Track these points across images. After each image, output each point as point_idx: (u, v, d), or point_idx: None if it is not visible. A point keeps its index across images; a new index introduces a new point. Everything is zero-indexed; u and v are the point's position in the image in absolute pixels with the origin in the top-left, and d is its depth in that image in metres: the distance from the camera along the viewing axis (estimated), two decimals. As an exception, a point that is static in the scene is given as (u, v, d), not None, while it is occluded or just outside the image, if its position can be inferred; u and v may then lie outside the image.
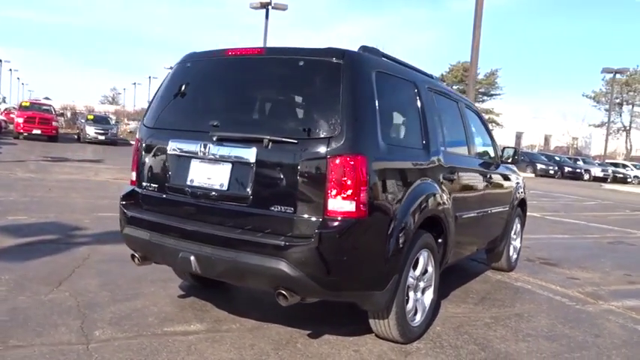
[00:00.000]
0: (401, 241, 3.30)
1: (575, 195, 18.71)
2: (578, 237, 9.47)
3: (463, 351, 3.61)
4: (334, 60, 3.18)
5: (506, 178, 5.63)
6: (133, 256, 3.71)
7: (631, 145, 58.93)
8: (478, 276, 5.80)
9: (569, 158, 41.48)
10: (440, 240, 3.97)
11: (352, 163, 2.99)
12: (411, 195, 3.45)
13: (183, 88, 3.73)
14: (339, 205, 2.99)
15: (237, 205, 3.24)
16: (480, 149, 5.14)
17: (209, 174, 3.34)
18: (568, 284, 5.73)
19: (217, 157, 3.30)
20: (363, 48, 3.47)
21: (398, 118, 3.62)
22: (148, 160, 3.73)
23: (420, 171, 3.67)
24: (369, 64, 3.35)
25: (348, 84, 3.11)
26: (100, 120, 31.86)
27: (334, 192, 2.99)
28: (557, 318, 4.52)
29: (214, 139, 3.29)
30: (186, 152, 3.46)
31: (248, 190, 3.20)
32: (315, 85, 3.24)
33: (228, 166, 3.28)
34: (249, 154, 3.18)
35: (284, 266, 2.98)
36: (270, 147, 3.11)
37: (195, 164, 3.42)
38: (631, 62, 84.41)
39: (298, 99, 3.32)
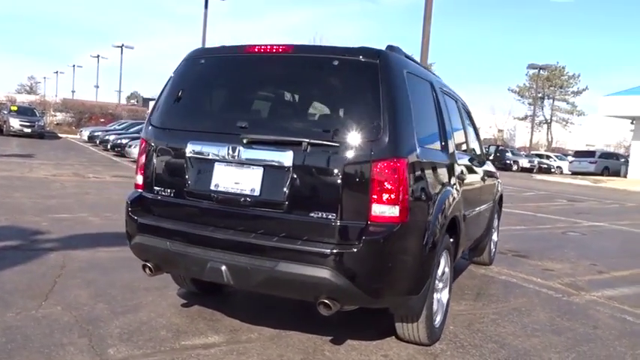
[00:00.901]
0: (434, 244, 3.28)
1: (512, 186, 19.55)
2: (533, 228, 9.91)
3: (484, 350, 3.66)
4: (370, 60, 3.10)
5: (491, 174, 5.77)
6: (145, 267, 3.46)
7: (552, 137, 62.63)
8: (463, 271, 5.91)
9: (498, 150, 43.31)
10: (452, 240, 3.99)
11: (396, 167, 2.92)
12: (440, 197, 3.44)
13: (199, 86, 3.51)
14: (383, 209, 2.92)
15: (272, 212, 3.09)
16: (472, 146, 5.23)
17: (237, 178, 3.17)
18: (546, 276, 5.96)
19: (248, 160, 3.13)
20: (390, 47, 3.40)
21: (425, 120, 3.58)
22: (159, 162, 3.48)
23: (444, 173, 3.66)
24: (400, 64, 3.29)
25: (387, 85, 3.04)
26: (25, 111, 29.99)
27: (378, 196, 2.92)
28: (553, 311, 4.68)
29: (245, 141, 3.11)
30: (209, 155, 3.25)
31: (283, 195, 3.05)
32: (352, 86, 3.14)
33: (259, 171, 3.12)
34: (285, 157, 3.03)
35: (330, 275, 2.87)
36: (309, 150, 2.99)
37: (219, 168, 3.22)
38: (552, 58, 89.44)
39: (334, 100, 3.21)
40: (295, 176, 3.03)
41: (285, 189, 3.05)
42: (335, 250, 2.88)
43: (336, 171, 2.97)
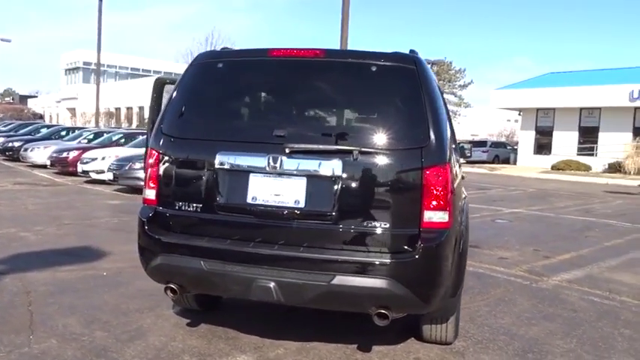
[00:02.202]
0: (465, 246, 3.36)
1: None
2: (465, 217, 10.45)
3: (500, 343, 3.82)
4: (408, 66, 3.10)
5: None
6: (168, 289, 3.19)
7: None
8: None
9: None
10: None
11: (444, 172, 2.95)
12: (463, 199, 3.53)
13: (222, 92, 3.29)
14: (435, 215, 2.94)
15: (319, 223, 2.99)
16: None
17: (277, 190, 3.02)
18: (506, 265, 6.33)
19: (290, 171, 3.00)
20: (412, 52, 3.41)
21: (447, 122, 3.64)
22: (179, 175, 3.23)
23: (460, 174, 3.75)
24: (429, 69, 3.31)
25: (426, 91, 3.06)
26: None
27: (430, 203, 2.93)
28: (532, 299, 4.99)
29: (287, 151, 2.97)
30: (244, 167, 3.07)
31: (331, 205, 2.97)
32: (394, 92, 3.12)
33: (301, 181, 3.00)
34: (334, 166, 2.94)
35: (390, 284, 2.85)
36: (358, 159, 2.92)
37: (256, 180, 3.05)
38: (439, 54, 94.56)
39: (376, 107, 3.15)
40: (344, 185, 2.96)
41: (332, 199, 2.97)
42: (394, 260, 2.86)
43: (387, 179, 2.95)
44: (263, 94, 3.37)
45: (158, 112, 5.33)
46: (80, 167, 14.73)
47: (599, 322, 4.41)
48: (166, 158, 3.26)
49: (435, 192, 2.93)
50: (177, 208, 3.21)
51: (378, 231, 2.93)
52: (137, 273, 5.17)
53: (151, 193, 3.31)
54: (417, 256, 2.87)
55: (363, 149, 2.93)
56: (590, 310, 4.73)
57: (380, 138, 3.00)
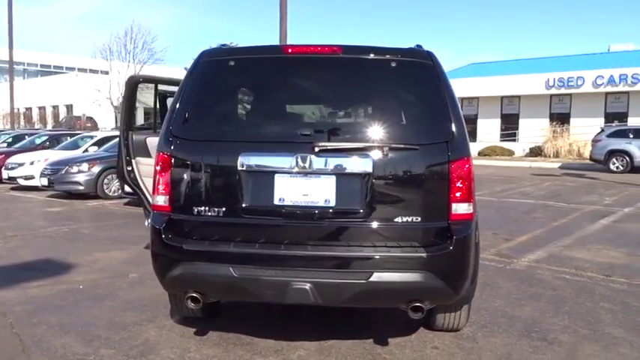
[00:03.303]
0: (479, 234, 3.46)
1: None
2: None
3: (503, 325, 3.98)
4: (426, 61, 3.14)
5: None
6: (189, 298, 3.05)
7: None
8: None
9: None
10: None
11: (468, 164, 3.03)
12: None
13: (236, 91, 3.17)
14: (460, 208, 3.02)
15: (351, 221, 2.98)
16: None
17: (306, 190, 2.97)
18: (578, 266, 5.96)
19: (319, 170, 2.95)
20: (419, 47, 3.45)
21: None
22: (195, 179, 3.09)
23: None
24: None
25: (445, 86, 3.12)
26: None
27: (456, 195, 3.00)
28: (511, 280, 5.23)
29: (316, 150, 2.92)
30: (269, 167, 2.99)
31: (363, 203, 2.97)
32: (416, 87, 3.15)
33: (331, 179, 2.97)
34: (365, 164, 2.94)
35: (428, 278, 2.89)
36: (388, 155, 2.93)
37: (282, 180, 2.98)
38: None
39: (399, 102, 3.16)
40: (374, 182, 2.96)
41: (364, 196, 2.96)
42: (430, 253, 2.90)
43: (416, 173, 2.99)
44: (282, 93, 3.29)
45: (131, 113, 5.10)
46: (5, 173, 13.72)
47: (579, 298, 4.70)
48: (179, 162, 3.11)
49: (460, 185, 3.00)
50: (195, 213, 3.07)
51: (410, 225, 2.97)
52: (115, 284, 4.96)
53: (162, 200, 3.15)
54: (450, 248, 2.93)
55: (393, 145, 2.95)
56: (566, 287, 5.02)
57: (407, 133, 3.03)
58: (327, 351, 3.48)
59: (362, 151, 2.97)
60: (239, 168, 3.01)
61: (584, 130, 23.77)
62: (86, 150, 13.85)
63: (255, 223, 3.04)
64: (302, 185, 2.99)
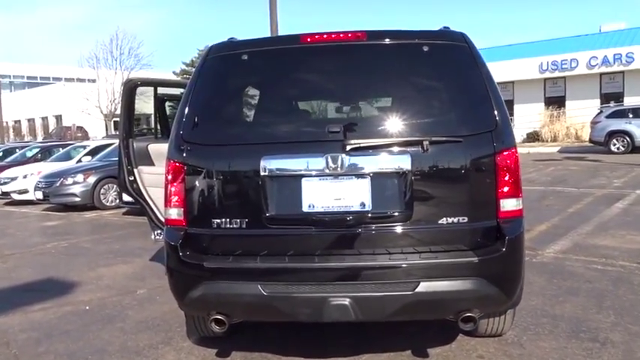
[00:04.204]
0: None
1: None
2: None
3: (547, 326, 3.69)
4: (460, 44, 2.84)
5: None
6: (213, 321, 2.74)
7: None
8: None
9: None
10: None
11: (515, 155, 2.73)
12: None
13: (253, 88, 2.85)
14: (509, 204, 2.72)
15: (391, 226, 2.67)
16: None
17: (337, 194, 2.66)
18: (606, 255, 5.65)
19: (352, 171, 2.64)
20: (446, 28, 3.14)
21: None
22: (212, 188, 2.78)
23: None
24: None
25: (484, 69, 2.82)
26: None
27: (504, 190, 2.70)
28: (542, 274, 4.94)
29: (347, 149, 2.61)
30: (295, 171, 2.68)
31: (402, 204, 2.66)
32: (452, 73, 2.84)
33: (364, 181, 2.66)
34: (403, 161, 2.63)
35: (481, 285, 2.60)
36: (429, 150, 2.63)
37: (310, 184, 2.67)
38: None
39: (436, 90, 2.86)
40: (414, 180, 2.65)
41: (403, 197, 2.66)
42: (481, 257, 2.60)
43: (460, 168, 2.69)
44: (303, 87, 2.97)
45: (131, 120, 4.75)
46: (-1, 189, 13.34)
47: (618, 290, 4.42)
48: (193, 170, 2.79)
49: (507, 178, 2.71)
50: (215, 226, 2.76)
51: (457, 227, 2.67)
52: (123, 302, 4.63)
53: (176, 213, 2.83)
54: (503, 250, 2.63)
55: (433, 138, 2.64)
56: (602, 279, 4.75)
57: (447, 124, 2.73)
58: (364, 367, 3.19)
59: (398, 147, 2.66)
60: (261, 173, 2.69)
61: (581, 113, 23.56)
62: (80, 160, 13.50)
63: (283, 234, 2.73)
64: (333, 189, 2.68)
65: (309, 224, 2.69)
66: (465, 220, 2.68)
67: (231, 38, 3.26)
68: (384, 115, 2.88)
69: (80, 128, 34.70)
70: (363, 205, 2.66)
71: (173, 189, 2.83)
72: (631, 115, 18.51)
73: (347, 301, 2.58)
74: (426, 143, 2.63)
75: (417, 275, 2.60)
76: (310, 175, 2.67)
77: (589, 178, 12.13)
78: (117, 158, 4.85)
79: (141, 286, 5.11)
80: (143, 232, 7.33)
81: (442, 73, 2.87)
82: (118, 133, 6.41)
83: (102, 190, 11.24)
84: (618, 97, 24.49)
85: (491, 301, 2.72)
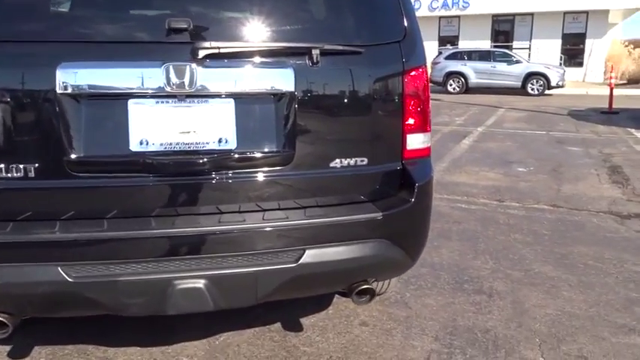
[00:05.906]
0: None
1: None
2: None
3: (428, 278, 3.27)
4: None
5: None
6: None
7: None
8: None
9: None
10: None
11: (426, 77, 2.08)
12: None
13: None
14: (417, 140, 2.09)
15: (264, 172, 1.87)
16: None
17: (185, 125, 1.78)
18: (467, 193, 5.37)
19: (206, 90, 1.77)
20: None
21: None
22: None
23: None
24: None
25: None
26: None
27: (411, 123, 2.05)
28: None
29: (200, 55, 1.72)
30: (116, 88, 1.72)
31: (281, 140, 1.87)
32: None
33: (226, 106, 1.81)
34: (283, 77, 1.83)
35: (385, 249, 1.97)
36: (319, 63, 1.84)
37: (141, 109, 1.75)
38: None
39: None
40: (298, 107, 1.87)
41: (282, 131, 1.87)
42: (387, 213, 1.95)
43: (359, 91, 1.96)
44: None
45: None
46: None
47: (487, 231, 4.21)
48: None
49: (416, 106, 2.06)
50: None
51: (354, 171, 1.98)
52: None
53: None
54: (412, 201, 2.01)
55: (326, 47, 1.86)
56: (469, 219, 4.52)
57: (343, 30, 1.96)
58: (222, 353, 2.44)
59: (277, 57, 1.85)
60: (58, 91, 1.69)
61: (420, 53, 24.49)
62: None
63: (98, 186, 1.78)
64: (178, 117, 1.78)
65: (141, 171, 1.78)
66: (364, 163, 1.99)
67: None
68: (258, 11, 1.96)
69: None
70: (223, 141, 1.82)
71: None
72: (466, 58, 19.57)
73: (201, 284, 1.76)
74: (315, 53, 1.83)
75: (301, 241, 1.87)
76: (141, 96, 1.74)
77: (433, 116, 12.45)
78: None
79: None
80: None
81: None
82: None
83: None
84: (454, 41, 25.81)
85: (394, 267, 2.15)
